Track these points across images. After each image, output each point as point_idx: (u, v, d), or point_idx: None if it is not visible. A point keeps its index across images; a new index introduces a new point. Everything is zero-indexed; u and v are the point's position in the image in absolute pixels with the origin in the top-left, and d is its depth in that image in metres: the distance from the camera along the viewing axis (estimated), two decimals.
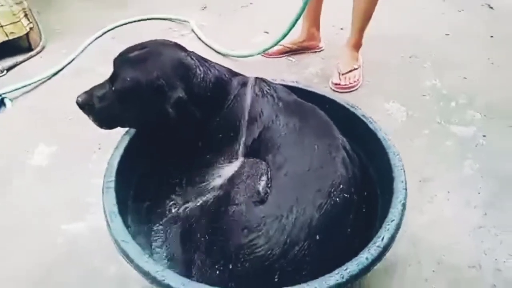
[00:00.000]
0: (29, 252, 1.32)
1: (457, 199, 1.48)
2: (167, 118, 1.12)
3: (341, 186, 1.02)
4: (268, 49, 2.03)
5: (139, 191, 1.22)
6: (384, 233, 0.96)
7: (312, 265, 0.94)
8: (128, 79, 1.11)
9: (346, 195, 1.02)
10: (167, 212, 1.23)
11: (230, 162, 1.17)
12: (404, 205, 1.04)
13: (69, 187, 1.52)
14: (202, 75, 1.17)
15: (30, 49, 2.33)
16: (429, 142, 1.72)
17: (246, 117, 1.19)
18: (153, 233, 1.24)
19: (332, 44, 2.30)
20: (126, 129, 1.23)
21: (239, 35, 2.48)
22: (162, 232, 1.23)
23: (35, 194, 1.51)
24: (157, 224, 1.25)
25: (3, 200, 1.50)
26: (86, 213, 1.42)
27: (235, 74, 1.27)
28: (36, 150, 1.69)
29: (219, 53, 2.27)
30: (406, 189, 1.07)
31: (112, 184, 1.05)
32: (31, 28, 2.31)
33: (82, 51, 2.35)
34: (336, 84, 1.99)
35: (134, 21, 2.62)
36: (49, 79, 2.13)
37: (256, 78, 1.26)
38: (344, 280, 0.86)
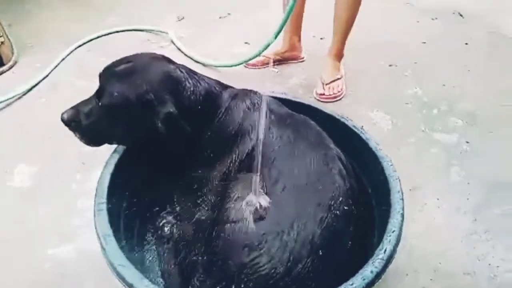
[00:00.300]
0: (15, 280, 1.25)
1: (447, 206, 1.49)
2: (156, 133, 1.09)
3: (341, 199, 1.01)
4: (252, 58, 2.01)
5: (130, 210, 1.18)
6: (386, 245, 0.95)
7: (316, 281, 0.92)
8: (116, 93, 1.07)
9: (345, 208, 1.01)
10: (159, 232, 1.19)
11: (223, 177, 1.14)
12: (402, 216, 1.03)
13: (54, 209, 1.45)
14: (192, 88, 1.14)
15: (1, 64, 2.24)
16: (415, 150, 1.74)
17: (238, 131, 1.16)
18: (145, 253, 1.19)
19: (313, 54, 2.31)
20: (113, 146, 1.18)
21: (220, 46, 2.45)
22: (155, 252, 1.19)
23: (18, 217, 1.44)
24: (149, 244, 1.21)
25: None
26: (73, 236, 1.35)
27: (225, 86, 1.24)
28: (16, 170, 1.61)
29: (202, 64, 2.24)
30: (403, 199, 1.07)
31: (104, 206, 1.00)
32: (2, 42, 2.22)
33: (57, 65, 2.27)
34: (320, 94, 1.99)
35: (111, 33, 2.55)
36: (24, 94, 2.05)
37: (247, 90, 1.24)
38: None
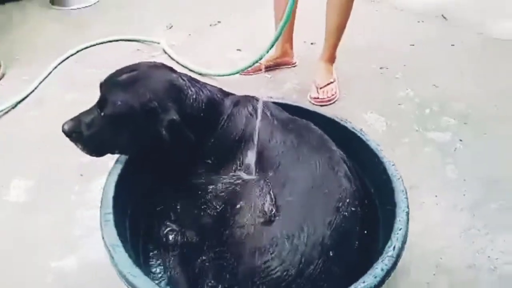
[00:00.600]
0: None
1: (444, 203, 1.52)
2: (160, 141, 1.09)
3: (348, 200, 1.02)
4: (249, 67, 2.02)
5: (135, 219, 1.17)
6: (395, 243, 0.96)
7: (328, 282, 0.93)
8: (119, 103, 1.07)
9: (352, 209, 1.03)
10: (164, 239, 1.19)
11: (228, 183, 1.14)
12: (407, 214, 1.05)
13: (54, 221, 1.43)
14: (194, 96, 1.15)
15: None
16: (410, 150, 1.76)
17: (242, 137, 1.17)
18: (150, 261, 1.19)
19: (304, 59, 2.33)
20: (109, 155, 1.18)
21: (212, 53, 2.46)
22: (161, 260, 1.18)
23: (17, 232, 1.41)
24: (155, 252, 1.20)
25: None
26: (75, 248, 1.33)
27: (227, 93, 1.25)
28: (11, 185, 1.59)
29: (196, 73, 2.22)
30: (407, 198, 1.09)
31: (111, 217, 0.99)
32: None
33: (46, 77, 2.24)
34: (315, 98, 2.01)
35: (99, 43, 2.53)
36: (13, 108, 2.02)
37: (249, 96, 1.25)
38: None
